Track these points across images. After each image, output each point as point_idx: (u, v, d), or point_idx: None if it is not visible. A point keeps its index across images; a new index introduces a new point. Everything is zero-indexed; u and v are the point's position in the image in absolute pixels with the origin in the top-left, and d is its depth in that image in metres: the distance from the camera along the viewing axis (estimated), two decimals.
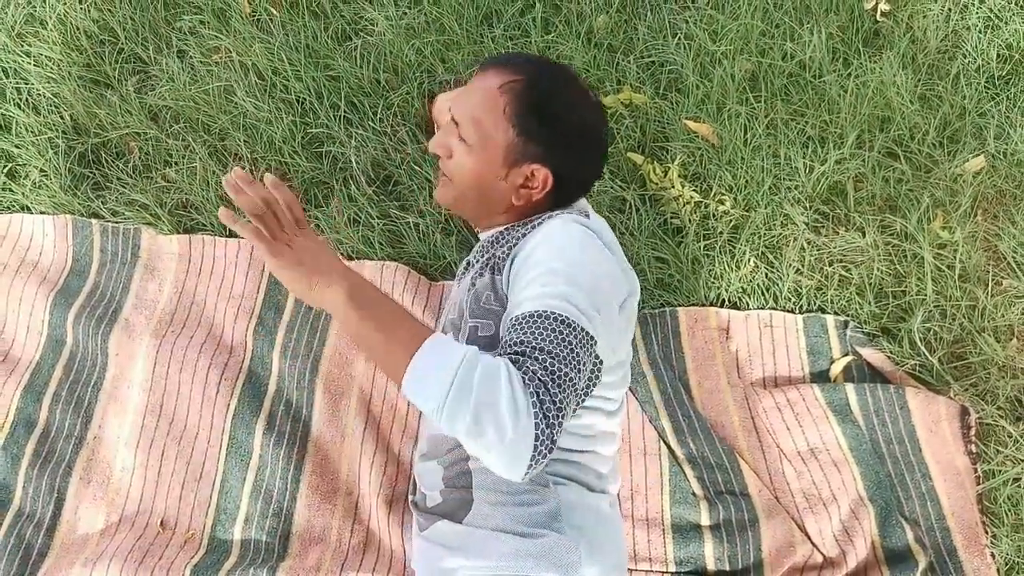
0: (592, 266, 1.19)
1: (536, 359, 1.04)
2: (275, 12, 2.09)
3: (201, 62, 2.04)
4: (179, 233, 1.89)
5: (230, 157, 1.94)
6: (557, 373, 1.04)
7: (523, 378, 1.01)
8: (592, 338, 1.10)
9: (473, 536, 1.23)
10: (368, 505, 1.60)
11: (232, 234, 1.88)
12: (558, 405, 1.02)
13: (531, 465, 0.99)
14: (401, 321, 1.06)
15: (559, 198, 1.39)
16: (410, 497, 1.42)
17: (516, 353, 1.05)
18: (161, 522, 1.61)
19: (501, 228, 1.40)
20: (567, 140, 1.35)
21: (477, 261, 1.38)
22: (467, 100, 1.35)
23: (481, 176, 1.34)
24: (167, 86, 2.02)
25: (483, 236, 1.44)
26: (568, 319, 1.08)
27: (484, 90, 1.33)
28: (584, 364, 1.09)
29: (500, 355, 1.06)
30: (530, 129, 1.32)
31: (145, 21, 2.12)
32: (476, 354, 1.02)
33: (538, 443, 0.99)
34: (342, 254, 1.83)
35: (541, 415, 1.00)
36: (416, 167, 1.88)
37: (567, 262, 1.16)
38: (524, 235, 1.30)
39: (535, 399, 1.00)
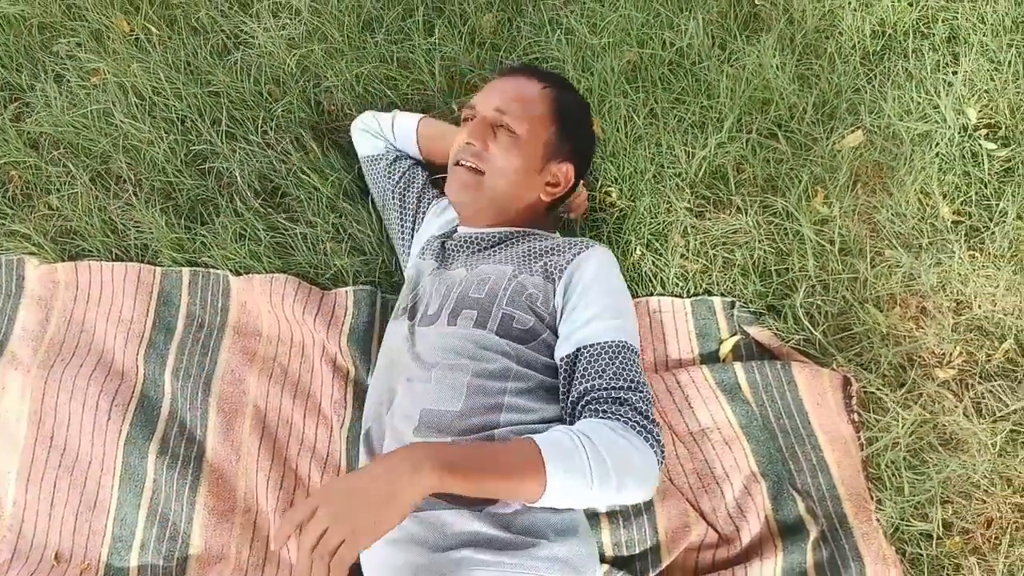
0: (627, 293, 1.43)
1: (633, 391, 1.24)
2: (154, 30, 2.07)
3: (80, 86, 2.01)
4: (64, 261, 1.86)
5: (112, 180, 1.91)
6: (645, 396, 1.26)
7: (627, 424, 1.20)
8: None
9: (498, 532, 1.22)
10: (267, 521, 1.59)
11: (118, 257, 1.85)
12: (654, 421, 1.24)
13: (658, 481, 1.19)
14: (495, 455, 1.11)
15: (564, 199, 1.61)
16: None
17: (615, 400, 1.23)
18: (56, 555, 1.59)
19: (515, 229, 1.53)
20: (587, 144, 1.60)
21: (499, 252, 1.47)
22: (511, 95, 1.50)
23: (521, 167, 1.48)
24: (45, 112, 1.98)
25: (485, 231, 1.53)
26: (635, 347, 1.32)
27: (526, 89, 1.52)
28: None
29: (596, 400, 1.24)
30: (569, 129, 1.53)
31: (20, 47, 2.09)
32: (584, 434, 1.15)
33: (659, 462, 1.19)
34: (230, 270, 1.81)
35: (653, 441, 1.20)
36: (304, 176, 1.87)
37: (621, 294, 1.39)
38: (576, 254, 1.42)
39: (645, 433, 1.20)
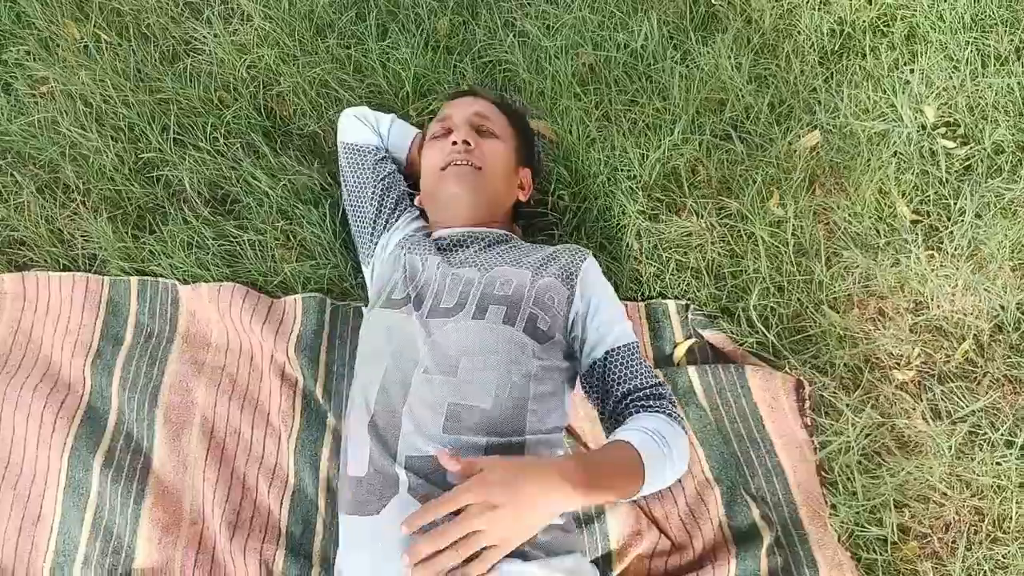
0: None
1: (661, 385, 1.39)
2: (104, 37, 2.05)
3: (28, 94, 1.99)
4: (11, 271, 1.83)
5: (60, 189, 1.89)
6: (666, 383, 1.50)
7: (671, 416, 1.33)
8: None
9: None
10: (213, 532, 1.57)
11: (66, 268, 1.83)
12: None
13: None
14: (617, 471, 1.20)
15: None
16: (408, 479, 1.26)
17: (654, 396, 1.37)
18: None
19: (503, 231, 1.60)
20: (536, 156, 1.80)
21: (507, 253, 1.51)
22: (479, 106, 1.67)
23: (507, 167, 1.62)
24: None
25: (479, 230, 1.58)
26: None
27: (484, 104, 1.68)
28: None
29: (640, 399, 1.37)
30: (526, 139, 1.73)
31: None
32: (662, 436, 1.26)
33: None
34: (178, 279, 1.79)
35: (683, 425, 1.37)
36: (254, 181, 1.84)
37: (615, 296, 1.51)
38: (581, 260, 1.50)
39: (681, 421, 1.36)
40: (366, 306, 1.75)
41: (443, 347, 1.35)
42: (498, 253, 1.51)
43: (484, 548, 1.07)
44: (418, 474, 1.24)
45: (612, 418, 1.39)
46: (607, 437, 1.36)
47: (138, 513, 1.56)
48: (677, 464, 1.28)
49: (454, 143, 1.57)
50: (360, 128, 1.78)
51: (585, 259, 1.51)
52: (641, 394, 1.36)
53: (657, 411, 1.33)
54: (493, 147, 1.60)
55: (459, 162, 1.55)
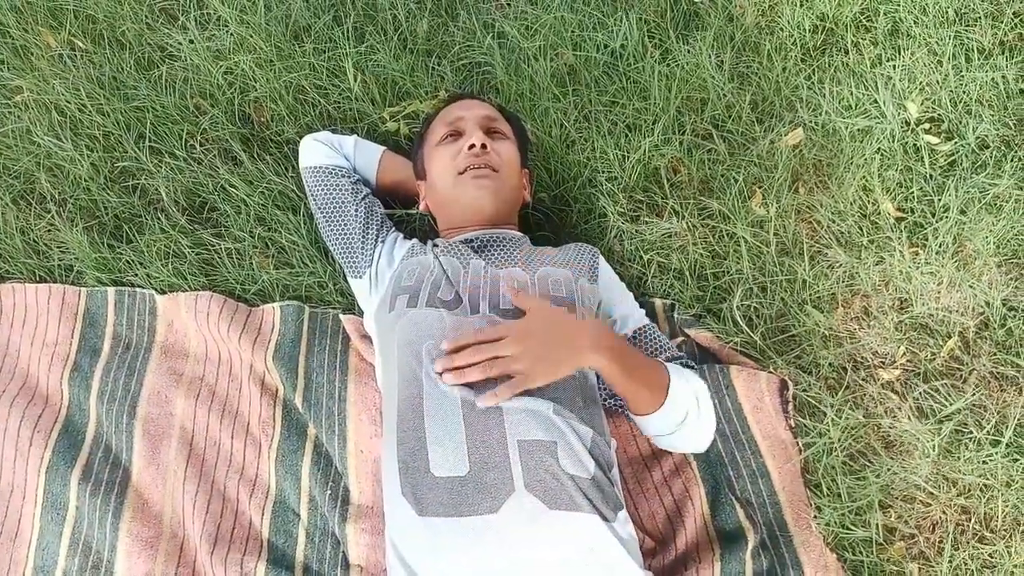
0: None
1: (687, 356, 1.55)
2: (80, 44, 2.02)
3: (2, 104, 1.97)
4: None
5: (35, 200, 1.87)
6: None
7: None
8: None
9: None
10: (193, 546, 1.55)
11: (42, 279, 1.81)
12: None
13: None
14: (644, 365, 1.35)
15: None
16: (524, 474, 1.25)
17: (687, 365, 1.51)
18: None
19: (514, 230, 1.63)
20: (528, 157, 1.76)
21: (540, 254, 1.56)
22: (485, 108, 1.69)
23: (515, 167, 1.64)
24: None
25: (502, 232, 1.60)
26: None
27: (489, 107, 1.71)
28: None
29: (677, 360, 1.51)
30: (524, 142, 1.73)
31: None
32: (688, 373, 1.42)
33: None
34: (155, 289, 1.77)
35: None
36: (232, 188, 1.83)
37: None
38: (595, 256, 1.61)
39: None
40: (346, 313, 1.73)
41: None
42: (527, 253, 1.55)
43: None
44: (531, 462, 1.24)
45: None
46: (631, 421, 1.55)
47: (117, 527, 1.54)
48: (704, 416, 1.41)
49: (471, 146, 1.56)
50: (326, 152, 1.72)
51: (598, 256, 1.62)
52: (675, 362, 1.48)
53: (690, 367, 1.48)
54: (506, 148, 1.62)
55: (478, 165, 1.56)
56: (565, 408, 1.28)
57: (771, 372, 1.63)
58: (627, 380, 1.29)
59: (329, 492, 1.56)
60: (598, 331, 1.29)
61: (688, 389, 1.37)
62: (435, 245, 1.57)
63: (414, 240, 1.64)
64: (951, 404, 1.59)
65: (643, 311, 1.58)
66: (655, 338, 1.53)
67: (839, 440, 1.55)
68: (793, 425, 1.59)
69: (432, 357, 1.32)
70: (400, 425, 1.32)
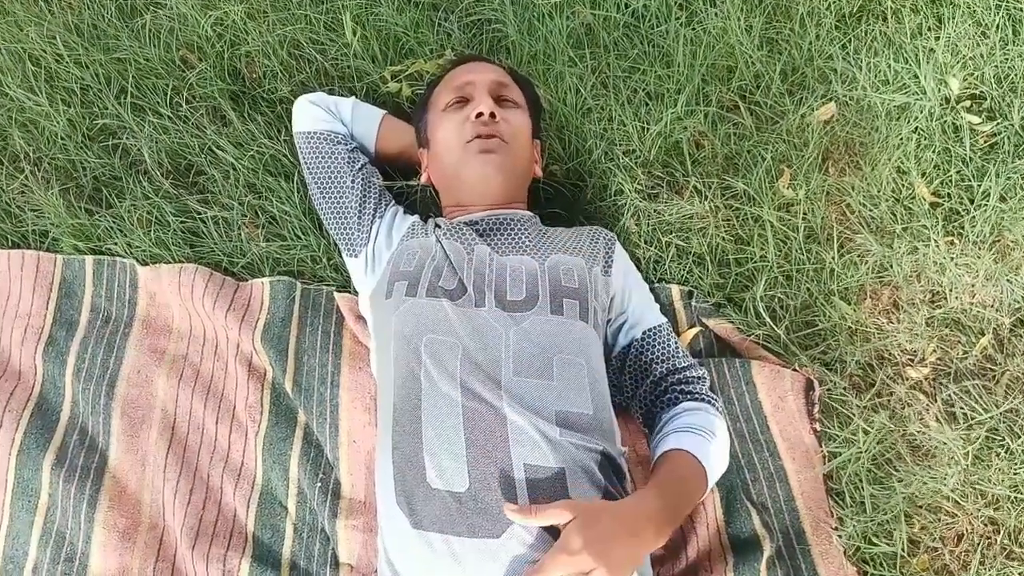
0: None
1: (698, 366, 1.41)
2: None
3: None
4: None
5: (7, 160, 1.75)
6: (700, 364, 1.45)
7: (713, 405, 1.36)
8: None
9: None
10: (173, 538, 1.46)
11: (15, 245, 1.70)
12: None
13: None
14: (691, 495, 1.25)
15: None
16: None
17: (695, 379, 1.39)
18: None
19: (522, 208, 1.52)
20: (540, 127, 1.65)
21: (553, 238, 1.46)
22: (497, 73, 1.56)
23: (527, 138, 1.52)
24: None
25: (508, 212, 1.48)
26: None
27: (500, 72, 1.57)
28: None
29: (681, 381, 1.39)
30: (536, 110, 1.61)
31: None
32: (711, 435, 1.29)
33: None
34: (136, 259, 1.66)
35: (723, 413, 1.40)
36: (220, 151, 1.70)
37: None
38: (611, 242, 1.51)
39: (722, 411, 1.40)
40: (341, 291, 1.62)
41: (528, 345, 1.27)
42: (537, 237, 1.45)
43: None
44: (536, 492, 1.16)
45: (650, 398, 1.40)
46: (637, 416, 1.43)
47: (92, 517, 1.46)
48: (725, 450, 1.33)
49: (479, 115, 1.44)
50: (322, 116, 1.59)
51: (615, 243, 1.51)
52: (681, 376, 1.38)
53: (699, 397, 1.36)
54: (517, 118, 1.50)
55: (486, 135, 1.44)
56: (573, 424, 1.22)
57: (795, 370, 1.54)
58: (685, 513, 1.25)
59: (319, 484, 1.47)
60: (648, 521, 1.12)
61: (717, 452, 1.30)
62: (437, 226, 1.45)
63: (415, 217, 1.52)
64: (982, 408, 1.50)
65: (658, 306, 1.49)
66: (664, 342, 1.42)
67: (867, 448, 1.46)
68: (818, 429, 1.49)
69: (432, 353, 1.25)
70: (396, 427, 1.25)
